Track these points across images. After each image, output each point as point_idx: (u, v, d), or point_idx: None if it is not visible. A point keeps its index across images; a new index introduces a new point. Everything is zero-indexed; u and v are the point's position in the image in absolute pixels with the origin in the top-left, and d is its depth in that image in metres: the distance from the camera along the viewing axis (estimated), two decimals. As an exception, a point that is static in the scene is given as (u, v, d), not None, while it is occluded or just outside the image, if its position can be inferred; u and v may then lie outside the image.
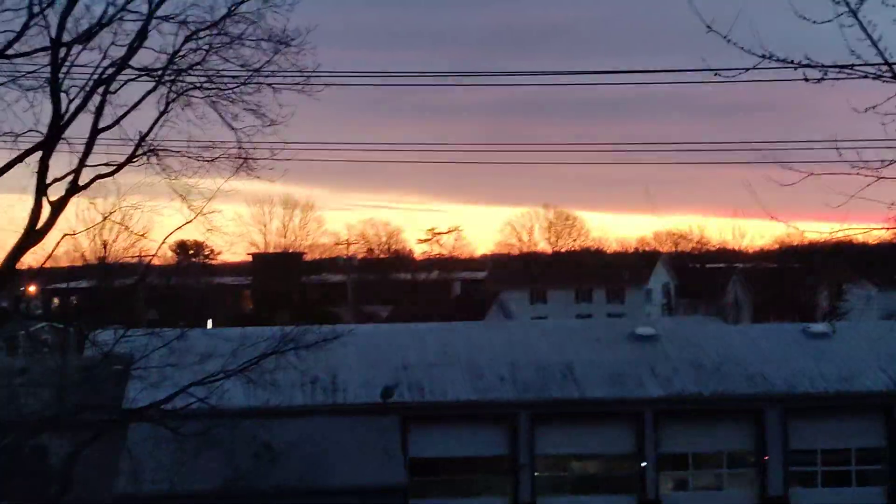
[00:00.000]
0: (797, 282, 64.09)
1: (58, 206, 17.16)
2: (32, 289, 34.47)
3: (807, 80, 9.33)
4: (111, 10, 16.02)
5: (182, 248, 55.82)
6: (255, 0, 16.09)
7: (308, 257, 73.27)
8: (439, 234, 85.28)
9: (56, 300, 38.73)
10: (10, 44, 16.03)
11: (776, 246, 71.11)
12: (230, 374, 22.74)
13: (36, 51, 16.23)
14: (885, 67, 9.18)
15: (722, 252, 79.46)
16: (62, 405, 22.83)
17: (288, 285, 61.90)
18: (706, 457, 32.20)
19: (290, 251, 69.41)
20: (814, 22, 9.06)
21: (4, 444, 21.45)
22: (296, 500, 27.25)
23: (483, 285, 77.28)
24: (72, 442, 23.24)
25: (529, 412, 30.97)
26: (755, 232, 75.86)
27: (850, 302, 57.80)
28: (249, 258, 68.85)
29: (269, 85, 17.01)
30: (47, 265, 22.40)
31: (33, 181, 16.73)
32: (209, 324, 45.52)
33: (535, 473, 31.02)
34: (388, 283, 69.99)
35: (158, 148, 17.50)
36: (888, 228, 11.05)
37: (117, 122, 17.11)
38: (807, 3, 9.32)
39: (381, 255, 76.68)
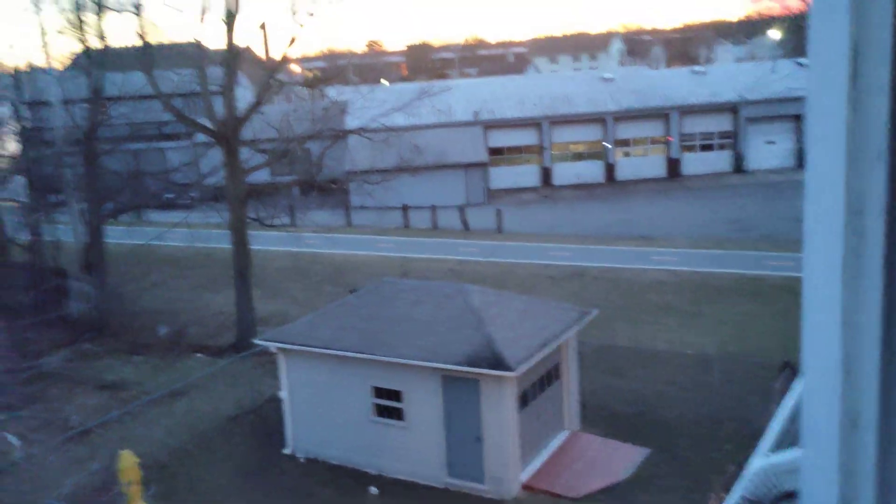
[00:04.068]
0: (700, 43, 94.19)
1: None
2: (296, 68, 62.01)
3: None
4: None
5: (371, 43, 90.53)
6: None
7: (435, 45, 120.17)
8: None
9: (308, 73, 66.88)
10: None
11: (681, 25, 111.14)
12: (396, 109, 34.73)
13: None
14: None
15: (651, 31, 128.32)
16: (315, 128, 33.71)
17: (424, 63, 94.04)
18: (639, 140, 60.94)
19: (423, 43, 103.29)
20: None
21: (290, 149, 33.41)
22: (432, 168, 57.08)
23: (524, 55, 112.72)
24: (321, 146, 34.05)
25: (548, 121, 59.91)
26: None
27: (718, 55, 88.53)
28: (406, 48, 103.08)
29: None
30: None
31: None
32: (385, 83, 74.75)
33: (552, 152, 60.75)
34: (475, 58, 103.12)
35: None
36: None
37: None
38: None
39: (470, 43, 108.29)
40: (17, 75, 33.02)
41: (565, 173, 59.26)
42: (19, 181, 35.14)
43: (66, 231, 34.14)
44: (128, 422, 21.85)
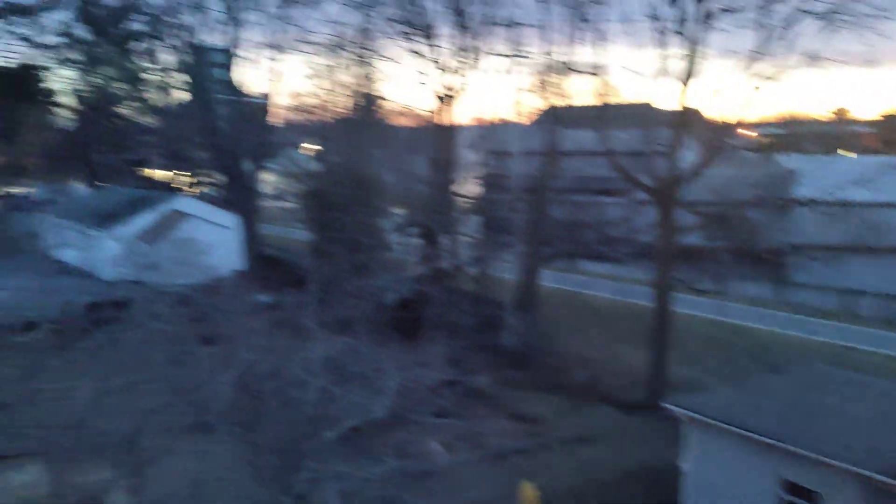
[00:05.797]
0: None
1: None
2: (747, 132, 60.73)
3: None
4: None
5: (838, 111, 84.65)
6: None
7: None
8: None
9: (761, 139, 65.28)
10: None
11: None
12: (856, 183, 34.35)
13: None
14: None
15: None
16: (758, 195, 35.09)
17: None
18: None
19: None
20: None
21: (727, 214, 39.64)
22: (893, 251, 48.32)
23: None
24: (761, 214, 36.86)
25: None
26: None
27: None
28: (880, 118, 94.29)
29: None
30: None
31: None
32: (846, 153, 70.42)
33: None
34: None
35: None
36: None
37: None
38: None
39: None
40: (486, 128, 37.56)
41: None
42: (476, 220, 39.70)
43: (507, 269, 37.59)
44: (535, 453, 23.13)
